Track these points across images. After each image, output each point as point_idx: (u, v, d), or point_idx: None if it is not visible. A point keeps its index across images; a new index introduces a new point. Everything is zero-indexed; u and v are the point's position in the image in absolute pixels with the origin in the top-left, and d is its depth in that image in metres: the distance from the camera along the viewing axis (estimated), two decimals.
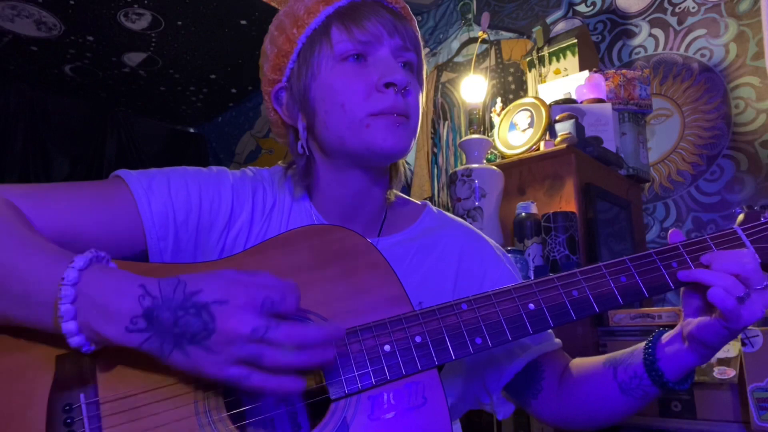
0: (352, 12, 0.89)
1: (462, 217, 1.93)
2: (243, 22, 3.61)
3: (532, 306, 0.78)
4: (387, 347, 0.72)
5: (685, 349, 0.80)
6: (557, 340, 1.01)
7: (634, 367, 0.85)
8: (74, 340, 0.64)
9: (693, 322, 0.79)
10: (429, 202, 1.08)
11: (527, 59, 2.55)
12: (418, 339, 0.73)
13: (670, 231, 0.84)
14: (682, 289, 0.82)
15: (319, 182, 0.96)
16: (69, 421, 0.67)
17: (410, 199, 1.08)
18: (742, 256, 0.77)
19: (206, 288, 0.63)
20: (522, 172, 2.06)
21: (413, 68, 0.93)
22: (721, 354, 1.44)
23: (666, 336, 0.84)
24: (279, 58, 0.93)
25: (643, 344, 0.86)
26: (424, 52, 1.02)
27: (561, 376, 0.97)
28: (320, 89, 0.90)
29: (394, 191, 1.02)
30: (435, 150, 3.19)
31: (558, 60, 2.41)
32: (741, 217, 0.86)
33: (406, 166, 1.03)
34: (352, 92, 0.87)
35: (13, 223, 0.71)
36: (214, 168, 0.95)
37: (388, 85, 0.86)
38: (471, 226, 1.07)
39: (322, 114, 0.90)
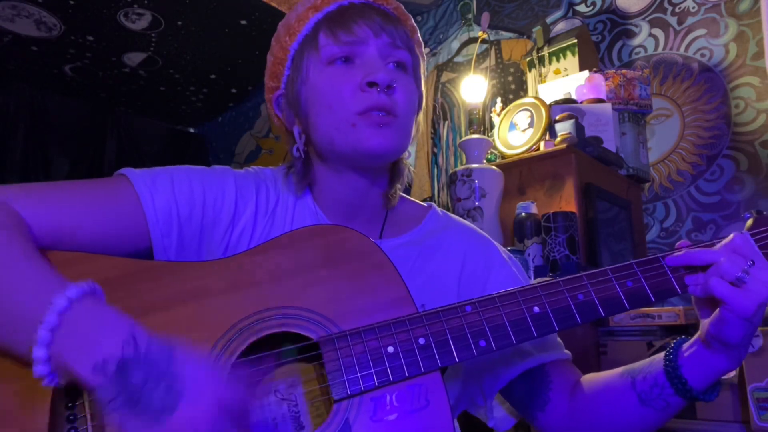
0: (340, 16, 0.91)
1: (462, 217, 1.93)
2: (243, 22, 3.61)
3: (537, 309, 0.77)
4: (390, 348, 0.72)
5: (707, 352, 0.77)
6: (566, 352, 0.98)
7: (655, 376, 0.81)
8: (39, 368, 0.61)
9: (707, 321, 0.76)
10: (434, 205, 1.07)
11: (527, 59, 2.55)
12: (421, 341, 0.73)
13: (677, 244, 0.81)
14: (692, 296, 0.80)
15: (319, 183, 0.97)
16: (72, 417, 0.67)
17: (415, 200, 1.08)
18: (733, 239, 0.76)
19: (191, 372, 0.61)
20: (522, 172, 2.06)
21: (406, 66, 0.93)
22: None
23: (688, 342, 0.81)
24: (275, 66, 0.96)
25: (663, 353, 0.82)
26: (424, 52, 1.02)
27: (572, 389, 0.93)
28: (310, 93, 0.91)
29: (399, 193, 1.01)
30: (435, 150, 3.19)
31: (558, 60, 2.41)
32: (750, 222, 0.83)
33: (410, 168, 1.03)
34: (339, 93, 0.88)
35: (12, 238, 0.70)
36: (217, 167, 0.95)
37: (371, 84, 0.86)
38: (477, 228, 1.07)
39: (313, 117, 0.91)
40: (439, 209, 1.07)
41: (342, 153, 0.90)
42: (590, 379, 0.92)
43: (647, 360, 0.85)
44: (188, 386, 0.60)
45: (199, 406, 0.60)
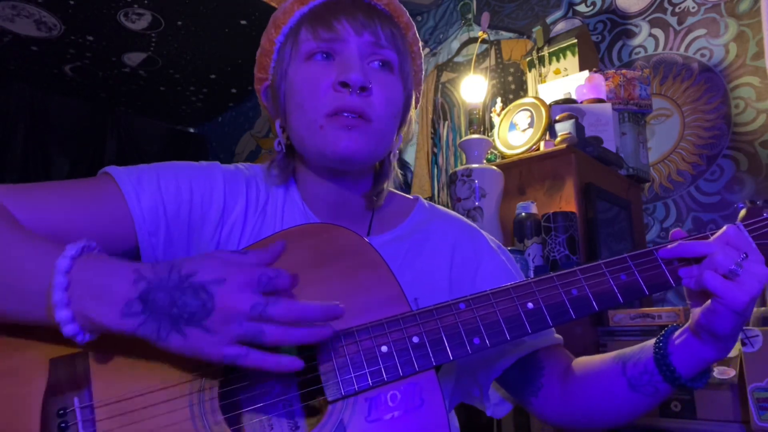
0: (323, 12, 0.89)
1: None
2: (243, 22, 3.61)
3: (530, 305, 0.77)
4: (384, 348, 0.72)
5: (696, 342, 0.77)
6: (557, 336, 0.99)
7: (645, 362, 0.82)
8: (68, 328, 0.64)
9: (698, 311, 0.76)
10: (420, 197, 1.06)
11: (527, 59, 2.55)
12: (415, 339, 0.73)
13: (672, 231, 0.82)
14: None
15: (303, 180, 0.96)
16: (63, 425, 0.67)
17: (401, 194, 1.06)
18: (726, 231, 0.76)
19: (202, 269, 0.64)
20: (522, 172, 2.05)
21: (392, 66, 0.91)
22: None
23: (678, 331, 0.81)
24: (262, 58, 0.96)
25: (653, 340, 0.83)
26: (424, 52, 1.01)
27: (564, 374, 0.94)
28: (287, 89, 0.91)
29: (386, 192, 0.99)
30: (435, 150, 3.19)
31: (558, 60, 2.41)
32: (743, 212, 0.83)
33: (396, 168, 1.01)
34: (312, 92, 0.86)
35: (2, 219, 0.71)
36: (205, 162, 0.94)
37: (343, 84, 0.85)
38: (465, 218, 1.06)
39: (288, 114, 0.91)
40: (425, 202, 1.05)
41: (311, 154, 0.89)
42: (582, 363, 0.93)
43: (638, 346, 0.86)
44: (207, 276, 0.63)
45: (229, 288, 0.63)
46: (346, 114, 0.85)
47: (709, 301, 0.74)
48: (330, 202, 0.95)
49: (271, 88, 0.96)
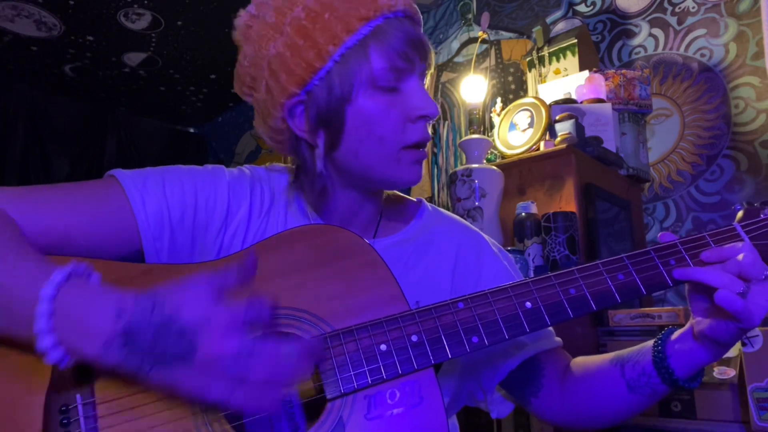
0: (388, 32, 0.83)
1: (462, 217, 1.93)
2: None
3: (528, 304, 0.77)
4: (383, 346, 0.72)
5: (697, 347, 0.79)
6: (557, 339, 1.00)
7: (643, 365, 0.84)
8: (51, 356, 0.62)
9: (704, 322, 0.78)
10: (424, 200, 1.07)
11: (527, 59, 2.55)
12: (414, 338, 0.73)
13: (659, 235, 0.83)
14: (687, 286, 0.81)
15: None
16: (65, 421, 0.67)
17: (405, 196, 1.07)
18: (739, 250, 0.76)
19: (185, 308, 0.61)
20: (522, 172, 2.05)
21: (422, 77, 0.91)
22: None
23: (676, 334, 0.83)
24: (305, 72, 0.83)
25: (651, 342, 0.85)
26: None
27: (563, 375, 0.96)
28: (356, 116, 0.84)
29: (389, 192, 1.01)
30: (435, 150, 3.19)
31: (558, 60, 2.41)
32: (740, 213, 0.85)
33: None
34: (391, 125, 0.85)
35: (2, 231, 0.70)
36: (210, 166, 0.94)
37: (423, 117, 0.86)
38: (467, 223, 1.07)
39: (353, 141, 0.85)
40: (428, 205, 1.06)
41: (374, 180, 0.89)
42: (580, 363, 0.95)
43: (636, 348, 0.88)
44: (191, 317, 0.60)
45: (213, 332, 0.60)
46: (421, 148, 0.88)
47: (721, 317, 0.76)
48: (342, 211, 0.94)
49: (308, 104, 0.86)
